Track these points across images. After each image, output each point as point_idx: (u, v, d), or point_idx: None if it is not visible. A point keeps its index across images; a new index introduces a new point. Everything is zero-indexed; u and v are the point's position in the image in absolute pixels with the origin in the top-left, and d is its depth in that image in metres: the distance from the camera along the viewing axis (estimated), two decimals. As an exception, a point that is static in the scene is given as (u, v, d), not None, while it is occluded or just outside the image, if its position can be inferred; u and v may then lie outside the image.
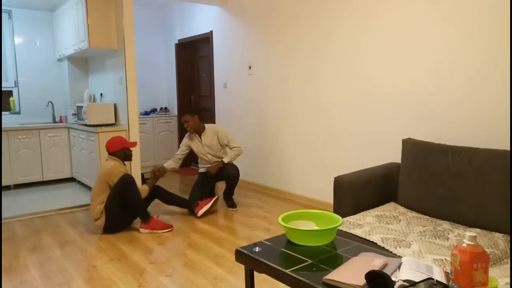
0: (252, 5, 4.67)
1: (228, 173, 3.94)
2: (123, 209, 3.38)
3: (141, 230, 3.41)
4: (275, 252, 1.72)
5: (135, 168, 4.42)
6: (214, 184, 4.24)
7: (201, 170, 4.16)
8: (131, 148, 3.59)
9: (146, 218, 3.41)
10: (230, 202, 4.11)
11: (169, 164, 4.03)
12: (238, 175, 4.00)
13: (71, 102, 5.55)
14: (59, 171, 5.33)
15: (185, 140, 4.10)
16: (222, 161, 3.96)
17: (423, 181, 2.51)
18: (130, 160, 3.62)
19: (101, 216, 3.34)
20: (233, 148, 4.01)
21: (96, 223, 3.37)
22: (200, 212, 3.75)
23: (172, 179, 5.53)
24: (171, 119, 6.28)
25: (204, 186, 4.09)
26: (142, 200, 3.46)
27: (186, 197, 3.95)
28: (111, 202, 3.33)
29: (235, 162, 4.07)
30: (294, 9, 4.14)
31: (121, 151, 3.52)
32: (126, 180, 3.33)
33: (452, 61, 2.87)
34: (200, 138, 4.01)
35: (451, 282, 1.27)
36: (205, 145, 4.00)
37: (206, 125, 4.07)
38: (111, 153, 3.51)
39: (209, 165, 4.03)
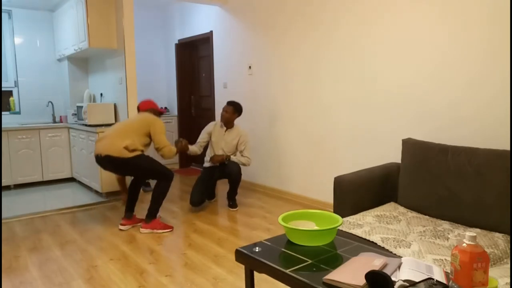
0: (252, 5, 4.67)
1: (230, 171, 3.96)
2: (142, 180, 3.62)
3: (142, 230, 3.41)
4: (275, 252, 1.72)
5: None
6: (215, 182, 4.26)
7: (206, 164, 4.17)
8: (159, 111, 3.67)
9: (153, 216, 3.42)
10: (231, 202, 4.12)
11: (193, 148, 4.04)
12: (240, 174, 4.01)
13: (71, 102, 5.55)
14: (59, 171, 5.33)
15: (208, 127, 4.15)
16: (229, 155, 4.00)
17: (423, 181, 2.51)
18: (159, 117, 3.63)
19: (130, 152, 3.26)
20: (244, 156, 4.05)
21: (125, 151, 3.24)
22: (145, 231, 3.44)
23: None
24: (171, 119, 6.28)
25: (206, 182, 4.11)
26: (162, 200, 3.48)
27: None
28: (144, 165, 3.34)
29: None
30: (294, 9, 4.14)
31: (150, 110, 3.57)
32: (170, 176, 3.42)
33: (452, 61, 2.87)
34: (225, 131, 4.08)
35: (451, 282, 1.27)
36: (224, 140, 4.05)
37: (236, 125, 4.14)
38: (143, 110, 3.58)
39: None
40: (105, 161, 3.28)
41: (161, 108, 3.73)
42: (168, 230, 3.44)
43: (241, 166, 4.02)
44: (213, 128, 4.13)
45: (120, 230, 3.46)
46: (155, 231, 3.40)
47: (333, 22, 3.74)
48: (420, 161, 2.55)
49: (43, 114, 5.68)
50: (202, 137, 4.14)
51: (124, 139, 3.25)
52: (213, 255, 2.90)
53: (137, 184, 3.60)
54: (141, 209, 4.02)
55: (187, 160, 6.42)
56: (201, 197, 4.02)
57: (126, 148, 3.22)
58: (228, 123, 4.08)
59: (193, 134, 6.39)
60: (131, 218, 3.55)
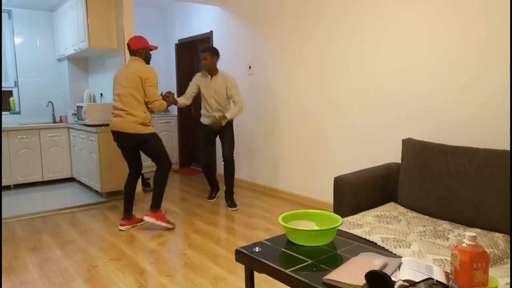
0: (252, 5, 4.67)
1: (225, 156, 4.02)
2: (137, 178, 3.58)
3: (146, 218, 3.41)
4: (275, 252, 1.72)
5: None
6: (214, 139, 4.24)
7: (203, 120, 4.17)
8: (152, 50, 3.51)
9: (158, 206, 3.44)
10: (230, 202, 4.12)
11: (181, 99, 4.06)
12: (233, 160, 4.05)
13: (71, 102, 5.56)
14: (59, 171, 5.33)
15: (195, 79, 4.12)
16: (224, 116, 3.94)
17: (423, 181, 2.51)
18: (149, 63, 3.48)
19: (145, 127, 3.35)
20: (236, 102, 4.00)
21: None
22: (149, 219, 3.47)
23: (172, 179, 5.53)
24: (171, 119, 6.28)
25: (209, 141, 4.17)
26: (164, 188, 3.51)
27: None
28: (155, 143, 3.42)
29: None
30: (294, 9, 4.14)
31: (143, 49, 3.40)
32: (169, 163, 3.47)
33: (452, 61, 2.87)
34: (211, 79, 4.03)
35: (451, 282, 1.27)
36: (213, 88, 4.00)
37: (220, 70, 4.08)
38: (133, 50, 3.39)
39: (210, 114, 4.05)
40: (122, 138, 3.37)
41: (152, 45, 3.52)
42: (170, 226, 3.46)
43: (239, 167, 4.02)
44: (199, 79, 4.08)
45: (120, 230, 3.47)
46: (158, 222, 3.41)
47: (333, 22, 3.74)
48: (420, 161, 2.55)
49: (43, 114, 5.68)
50: (191, 88, 4.11)
51: (134, 111, 3.31)
52: (213, 255, 2.90)
53: (132, 182, 3.56)
54: (141, 209, 4.02)
55: (187, 160, 6.42)
56: (209, 160, 4.17)
57: (136, 122, 3.31)
58: (211, 70, 3.99)
59: (193, 134, 6.39)
60: (131, 218, 3.55)
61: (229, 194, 4.14)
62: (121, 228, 3.49)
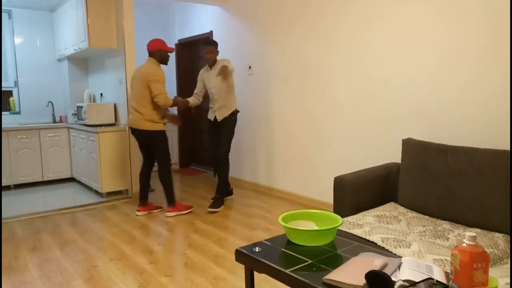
0: (252, 5, 4.67)
1: (218, 153, 4.05)
2: (151, 167, 3.91)
3: (168, 213, 3.78)
4: (275, 252, 1.72)
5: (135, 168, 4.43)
6: (219, 136, 4.23)
7: (209, 115, 4.20)
8: (169, 53, 3.77)
9: (173, 200, 3.79)
10: (212, 200, 4.05)
11: (192, 99, 4.17)
12: (226, 158, 4.07)
13: (71, 102, 5.55)
14: (59, 171, 5.33)
15: (199, 76, 4.18)
16: (225, 65, 3.85)
17: (423, 181, 2.51)
18: (166, 63, 3.78)
19: (154, 124, 3.68)
20: (225, 60, 3.96)
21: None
22: (170, 214, 3.84)
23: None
24: (171, 119, 6.27)
25: (214, 137, 4.20)
26: (172, 183, 3.81)
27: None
28: (160, 140, 3.74)
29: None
30: (294, 9, 4.14)
31: (158, 51, 3.68)
32: (168, 164, 3.75)
33: (452, 61, 2.87)
34: (211, 70, 4.07)
35: (451, 282, 1.27)
36: (213, 78, 4.03)
37: (217, 59, 4.11)
38: (150, 52, 3.70)
39: (214, 106, 4.07)
40: (135, 133, 3.77)
41: (170, 47, 3.78)
42: (190, 210, 3.86)
43: (239, 167, 4.03)
44: (203, 74, 4.14)
45: (137, 216, 3.75)
46: (181, 212, 3.79)
47: (333, 22, 3.74)
48: (420, 161, 2.55)
49: (43, 114, 5.68)
50: (198, 86, 4.18)
51: (142, 109, 3.64)
52: (213, 255, 2.90)
53: (147, 172, 3.89)
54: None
55: (187, 160, 6.42)
56: (215, 153, 4.16)
57: (144, 119, 3.63)
58: (213, 63, 4.04)
59: (193, 134, 6.39)
60: (146, 205, 3.90)
61: (215, 193, 4.08)
62: (138, 213, 3.85)
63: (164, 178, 3.77)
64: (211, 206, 3.96)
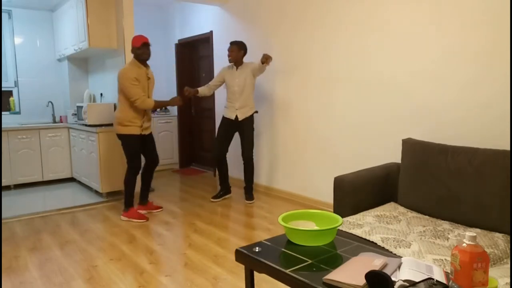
0: (253, 4, 4.67)
1: (244, 156, 4.15)
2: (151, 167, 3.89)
3: (121, 217, 3.73)
4: (275, 252, 1.72)
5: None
6: (233, 136, 4.27)
7: (225, 114, 4.22)
8: (139, 47, 3.51)
9: (127, 205, 3.72)
10: (248, 195, 4.28)
11: (203, 89, 4.20)
12: (252, 159, 4.20)
13: (71, 102, 5.55)
14: (59, 171, 5.33)
15: (221, 71, 4.21)
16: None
17: (423, 181, 2.51)
18: (144, 59, 3.57)
19: (123, 127, 3.63)
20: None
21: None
22: (123, 218, 3.76)
23: (172, 179, 5.53)
24: (171, 119, 6.27)
25: (226, 134, 4.21)
26: (128, 190, 3.73)
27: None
28: (124, 145, 3.66)
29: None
30: (294, 9, 4.14)
31: (132, 49, 3.59)
32: (132, 170, 3.66)
33: (452, 61, 2.87)
34: (236, 70, 4.11)
35: (451, 282, 1.27)
36: (238, 77, 4.07)
37: (245, 62, 4.15)
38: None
39: (233, 105, 4.10)
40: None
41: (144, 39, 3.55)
42: (142, 220, 3.68)
43: (238, 166, 4.07)
44: (225, 71, 4.17)
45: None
46: (132, 220, 3.69)
47: (334, 23, 3.74)
48: (420, 161, 2.55)
49: (43, 114, 5.68)
50: (215, 79, 4.22)
51: (117, 113, 3.62)
52: (213, 255, 2.90)
53: (147, 171, 3.89)
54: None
55: (187, 160, 6.42)
56: (223, 151, 4.22)
57: (115, 122, 3.61)
58: (237, 62, 4.08)
59: (193, 134, 6.39)
60: (146, 204, 3.93)
61: (247, 189, 4.30)
62: (138, 211, 3.81)
63: (125, 181, 3.71)
64: (248, 199, 4.28)
